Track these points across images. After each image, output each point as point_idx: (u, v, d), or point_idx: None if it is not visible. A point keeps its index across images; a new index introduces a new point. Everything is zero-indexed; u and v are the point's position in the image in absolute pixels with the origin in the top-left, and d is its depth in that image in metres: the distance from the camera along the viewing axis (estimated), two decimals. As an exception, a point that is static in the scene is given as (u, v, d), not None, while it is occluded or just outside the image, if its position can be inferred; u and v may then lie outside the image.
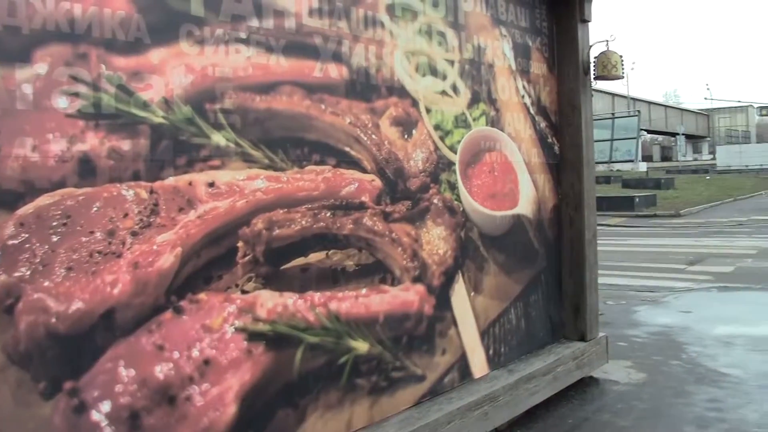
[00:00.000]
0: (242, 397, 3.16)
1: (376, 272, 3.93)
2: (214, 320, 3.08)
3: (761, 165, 60.33)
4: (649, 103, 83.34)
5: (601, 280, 6.05)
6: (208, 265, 3.08)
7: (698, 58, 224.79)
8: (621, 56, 5.65)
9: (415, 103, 4.25)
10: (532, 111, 5.38)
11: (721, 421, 4.85)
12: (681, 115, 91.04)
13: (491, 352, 4.84)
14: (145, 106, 2.85)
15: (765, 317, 8.09)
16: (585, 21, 5.67)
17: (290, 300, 3.44)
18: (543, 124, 5.52)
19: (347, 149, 3.78)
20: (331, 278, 3.67)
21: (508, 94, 5.10)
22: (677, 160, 77.78)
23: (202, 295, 3.04)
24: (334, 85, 3.71)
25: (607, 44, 5.67)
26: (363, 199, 3.87)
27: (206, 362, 3.03)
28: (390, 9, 4.09)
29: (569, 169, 5.71)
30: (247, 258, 3.26)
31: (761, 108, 61.01)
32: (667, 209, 24.73)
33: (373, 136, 3.94)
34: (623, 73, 5.71)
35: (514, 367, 4.97)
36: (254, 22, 3.31)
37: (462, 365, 4.56)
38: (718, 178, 45.67)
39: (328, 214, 3.67)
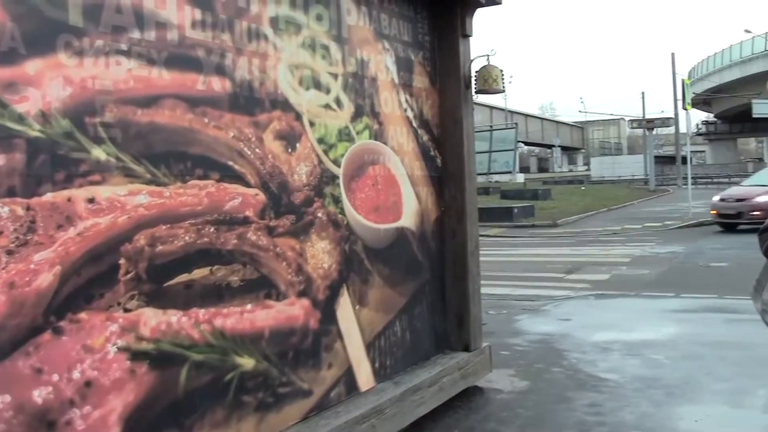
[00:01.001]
0: (126, 419, 3.13)
1: (261, 287, 3.96)
2: (96, 340, 3.04)
3: (633, 175, 63.40)
4: (526, 115, 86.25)
5: (483, 290, 6.24)
6: (89, 283, 3.03)
7: (573, 72, 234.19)
8: (501, 70, 5.87)
9: (298, 117, 4.30)
10: (414, 124, 5.52)
11: (601, 424, 5.11)
12: (557, 128, 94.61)
13: (377, 364, 4.94)
14: (20, 119, 2.79)
15: (639, 323, 8.53)
16: (466, 36, 5.85)
17: (174, 317, 3.42)
18: (425, 138, 5.67)
19: (231, 163, 3.80)
20: (216, 294, 3.67)
21: (391, 108, 5.23)
22: (554, 171, 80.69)
23: (82, 315, 2.99)
24: (217, 98, 3.72)
25: (488, 59, 5.87)
26: (247, 213, 3.89)
27: (88, 384, 2.99)
28: (273, 22, 4.14)
29: (452, 182, 5.87)
30: (129, 275, 3.22)
31: (632, 121, 64.08)
32: (544, 219, 25.55)
33: (257, 150, 3.97)
34: (503, 87, 5.94)
35: (400, 379, 5.08)
36: (135, 34, 3.29)
37: (348, 379, 4.63)
38: (593, 189, 47.63)
39: (212, 230, 3.67)
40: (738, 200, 19.75)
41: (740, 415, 5.32)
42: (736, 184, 24.72)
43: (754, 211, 18.77)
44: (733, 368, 6.38)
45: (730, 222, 19.75)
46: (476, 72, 5.87)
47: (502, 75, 5.91)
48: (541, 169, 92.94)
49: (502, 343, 7.44)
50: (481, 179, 42.58)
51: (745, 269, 12.99)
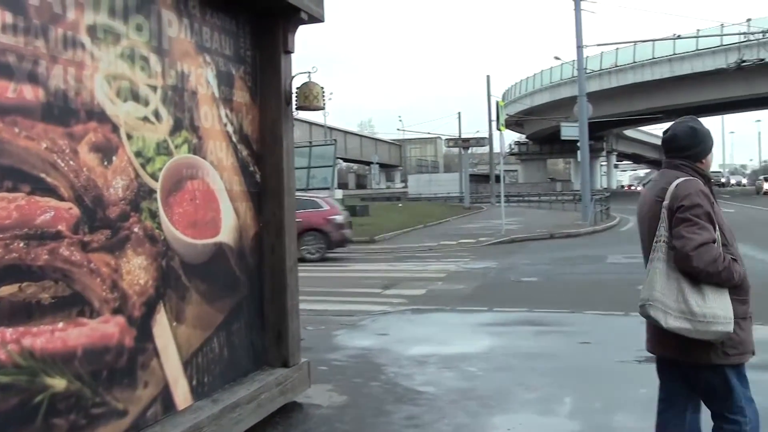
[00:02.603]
0: (-76, 446, 3.01)
1: (74, 304, 3.90)
2: None
3: (449, 193, 65.70)
4: (346, 132, 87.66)
5: (301, 306, 6.34)
6: None
7: (392, 91, 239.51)
8: (322, 87, 6.04)
9: (115, 129, 4.27)
10: (234, 139, 5.57)
11: (418, 437, 5.36)
12: (375, 145, 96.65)
13: (195, 382, 4.94)
14: None
15: (454, 336, 8.94)
16: (288, 52, 5.97)
17: (-21, 337, 3.32)
18: (245, 153, 5.73)
19: (43, 176, 3.73)
20: (25, 312, 3.59)
21: (211, 122, 5.26)
22: (372, 188, 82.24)
23: None
24: (29, 107, 3.65)
25: (309, 75, 6.01)
26: (60, 228, 3.83)
27: None
28: (91, 30, 4.09)
29: (271, 198, 5.96)
30: (-70, 292, 3.11)
31: (449, 140, 66.69)
32: (362, 235, 25.92)
33: (71, 163, 3.91)
34: (324, 104, 6.10)
35: (219, 396, 5.11)
36: (-60, 37, 3.18)
37: (165, 397, 4.61)
38: (410, 206, 49.09)
39: (22, 245, 3.59)
40: None
41: (549, 422, 5.74)
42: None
43: None
44: (543, 378, 6.85)
45: None
46: (297, 88, 6.00)
47: (323, 92, 6.08)
48: (360, 186, 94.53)
49: (320, 358, 7.56)
50: (299, 195, 42.80)
51: (553, 284, 13.94)
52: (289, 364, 5.94)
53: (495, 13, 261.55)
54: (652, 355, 3.94)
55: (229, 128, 5.51)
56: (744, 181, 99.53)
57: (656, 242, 3.54)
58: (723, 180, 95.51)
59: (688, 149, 3.72)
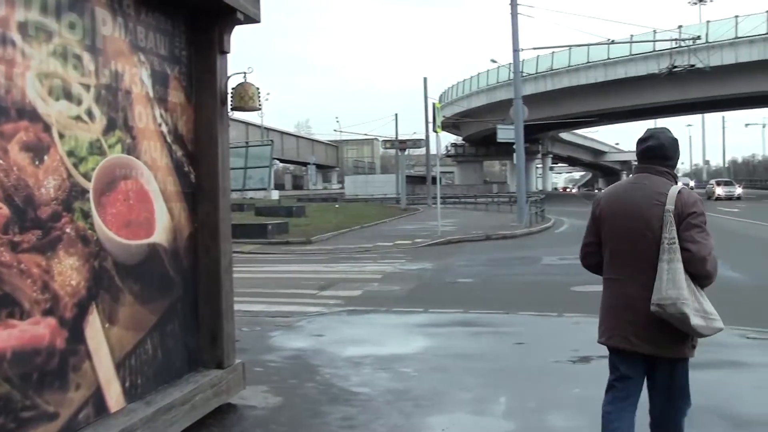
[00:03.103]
0: None
1: (4, 306, 3.86)
2: None
3: (385, 194, 65.99)
4: (282, 133, 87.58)
5: (236, 307, 6.35)
6: None
7: (330, 92, 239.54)
8: (258, 88, 6.06)
9: (47, 128, 4.23)
10: (168, 139, 5.55)
11: (353, 437, 5.42)
12: (312, 146, 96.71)
13: (128, 384, 4.92)
14: None
15: (390, 338, 9.04)
16: (224, 52, 5.96)
17: None
18: (180, 153, 5.70)
19: (-28, 175, 3.69)
20: (-47, 314, 3.55)
21: (145, 122, 5.23)
22: (308, 189, 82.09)
23: None
24: (-42, 105, 3.60)
25: (245, 76, 6.03)
26: (-12, 228, 3.78)
27: None
28: (22, 27, 4.04)
29: (206, 198, 5.95)
30: None
31: (385, 141, 67.00)
32: (298, 236, 25.95)
33: (1, 162, 3.87)
34: (260, 104, 6.12)
35: (152, 398, 5.08)
36: None
37: (97, 399, 4.59)
38: (347, 207, 49.19)
39: (-50, 244, 3.55)
40: None
41: (483, 422, 5.86)
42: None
43: None
44: (478, 378, 6.97)
45: None
46: (233, 89, 6.01)
47: (259, 93, 6.09)
48: (296, 187, 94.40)
49: (255, 359, 7.56)
50: (235, 195, 42.55)
51: (489, 285, 14.16)
52: (223, 366, 5.94)
53: (433, 15, 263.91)
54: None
55: (164, 128, 5.49)
56: (691, 183, 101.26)
57: (670, 244, 3.73)
58: None
59: (671, 158, 4.01)
